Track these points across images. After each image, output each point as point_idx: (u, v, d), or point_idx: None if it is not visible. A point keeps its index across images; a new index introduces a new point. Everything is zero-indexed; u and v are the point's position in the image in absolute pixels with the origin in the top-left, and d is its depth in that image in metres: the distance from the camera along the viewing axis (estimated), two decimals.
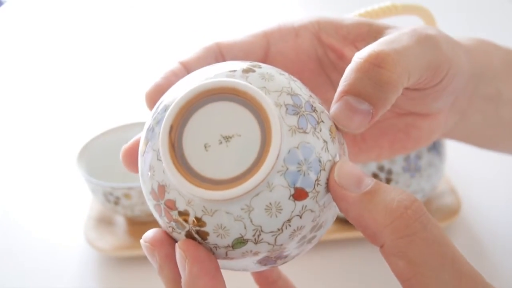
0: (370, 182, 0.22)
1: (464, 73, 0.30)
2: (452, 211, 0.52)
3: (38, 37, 1.05)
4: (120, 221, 0.55)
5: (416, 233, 0.20)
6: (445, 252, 0.20)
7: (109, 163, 0.56)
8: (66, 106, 0.81)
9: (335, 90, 0.30)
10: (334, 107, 0.24)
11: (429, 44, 0.26)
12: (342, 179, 0.22)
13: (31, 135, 0.74)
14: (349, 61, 0.28)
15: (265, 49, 0.30)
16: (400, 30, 0.27)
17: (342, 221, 0.50)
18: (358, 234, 0.49)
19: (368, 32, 0.28)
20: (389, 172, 0.48)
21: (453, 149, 0.57)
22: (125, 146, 0.27)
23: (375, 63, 0.23)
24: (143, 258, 0.51)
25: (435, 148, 0.50)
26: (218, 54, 0.30)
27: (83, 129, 0.69)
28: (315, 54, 0.30)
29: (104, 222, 0.54)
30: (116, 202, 0.50)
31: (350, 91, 0.23)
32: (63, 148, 0.69)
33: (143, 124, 0.68)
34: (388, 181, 0.48)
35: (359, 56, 0.24)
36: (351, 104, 0.23)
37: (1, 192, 0.63)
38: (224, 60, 0.29)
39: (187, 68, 0.29)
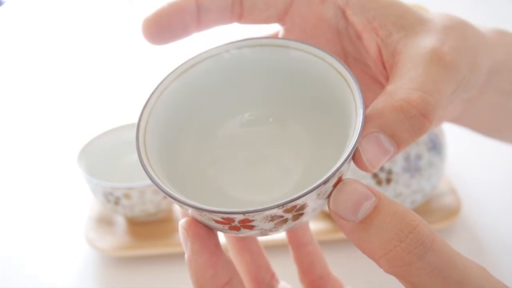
0: (369, 206, 0.21)
1: (480, 76, 0.30)
2: (452, 211, 0.52)
3: (38, 37, 1.05)
4: (120, 221, 0.55)
5: (412, 264, 0.20)
6: (449, 276, 0.20)
7: (109, 163, 0.56)
8: (66, 107, 0.81)
9: (348, 60, 0.30)
10: (363, 137, 0.23)
11: (458, 77, 0.26)
12: (338, 207, 0.21)
13: (32, 135, 0.74)
14: (365, 45, 0.28)
15: (286, 4, 0.29)
16: (429, 40, 0.26)
17: None
18: None
19: (394, 23, 0.27)
20: (389, 172, 0.48)
21: (453, 149, 0.57)
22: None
23: (422, 113, 0.23)
24: (143, 258, 0.51)
25: (435, 148, 0.49)
26: None
27: (83, 129, 0.69)
28: (335, 26, 0.29)
29: (104, 222, 0.54)
30: (116, 202, 0.50)
31: (386, 131, 0.23)
32: (63, 148, 0.69)
33: None
34: (388, 181, 0.48)
35: (404, 98, 0.23)
36: (382, 143, 0.23)
37: (1, 192, 0.63)
38: (242, 5, 0.27)
39: (199, 3, 0.27)
